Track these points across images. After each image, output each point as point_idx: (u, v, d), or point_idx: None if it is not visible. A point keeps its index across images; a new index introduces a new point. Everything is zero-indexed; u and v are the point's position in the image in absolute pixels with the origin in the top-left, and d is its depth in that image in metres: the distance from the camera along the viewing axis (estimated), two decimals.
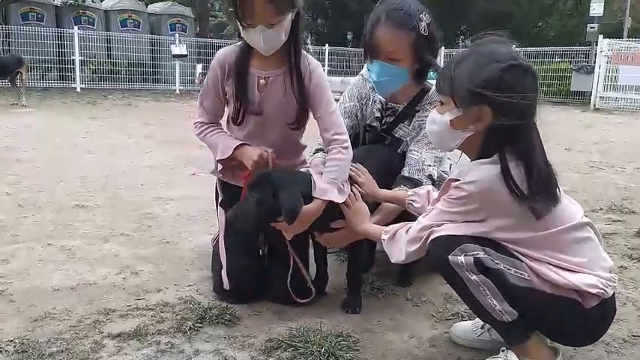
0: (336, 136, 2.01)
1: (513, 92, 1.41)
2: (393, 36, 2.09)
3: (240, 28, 1.93)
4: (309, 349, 1.70)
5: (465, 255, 1.47)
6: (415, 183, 2.11)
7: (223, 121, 2.21)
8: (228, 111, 2.15)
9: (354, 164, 2.04)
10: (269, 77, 2.03)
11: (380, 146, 2.32)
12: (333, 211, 1.92)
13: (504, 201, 1.45)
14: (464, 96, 1.47)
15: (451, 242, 1.49)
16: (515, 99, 1.41)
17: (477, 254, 1.46)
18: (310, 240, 2.14)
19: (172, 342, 1.77)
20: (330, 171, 1.96)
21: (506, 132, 1.45)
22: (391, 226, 1.74)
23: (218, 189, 2.28)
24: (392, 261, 1.70)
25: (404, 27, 2.08)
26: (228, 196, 2.18)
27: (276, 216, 1.87)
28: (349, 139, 2.04)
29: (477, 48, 1.53)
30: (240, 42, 2.05)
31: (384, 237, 1.71)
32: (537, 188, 1.44)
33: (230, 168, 2.13)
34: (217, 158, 2.09)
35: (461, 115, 1.50)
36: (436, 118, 1.57)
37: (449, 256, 1.48)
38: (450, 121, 1.52)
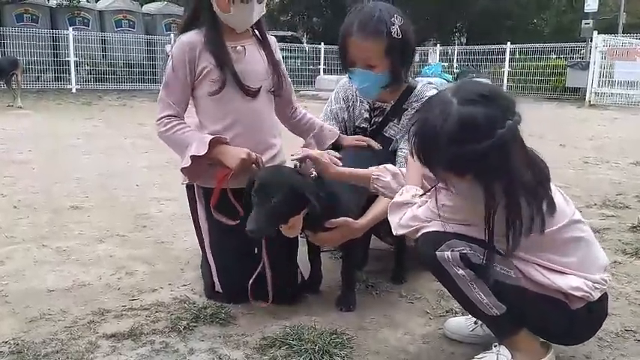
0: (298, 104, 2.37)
1: (491, 170, 1.35)
2: (366, 45, 2.08)
3: (233, 5, 1.98)
4: (304, 346, 1.70)
5: (452, 250, 1.49)
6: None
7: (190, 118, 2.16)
8: (201, 93, 2.09)
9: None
10: (244, 46, 2.11)
11: None
12: (328, 210, 1.92)
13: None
14: (432, 169, 1.46)
15: (439, 238, 1.51)
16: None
17: (462, 250, 1.48)
18: (305, 239, 2.14)
19: (167, 341, 1.77)
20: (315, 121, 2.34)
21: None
22: (407, 190, 1.70)
23: (199, 200, 2.13)
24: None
25: (376, 34, 2.05)
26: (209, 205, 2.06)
27: (296, 214, 1.84)
28: None
29: (447, 118, 1.33)
30: (197, 30, 2.10)
31: (393, 200, 1.70)
32: (517, 243, 1.41)
33: (200, 168, 2.03)
34: (192, 154, 1.98)
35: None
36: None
37: (436, 252, 1.50)
38: (423, 174, 1.58)
